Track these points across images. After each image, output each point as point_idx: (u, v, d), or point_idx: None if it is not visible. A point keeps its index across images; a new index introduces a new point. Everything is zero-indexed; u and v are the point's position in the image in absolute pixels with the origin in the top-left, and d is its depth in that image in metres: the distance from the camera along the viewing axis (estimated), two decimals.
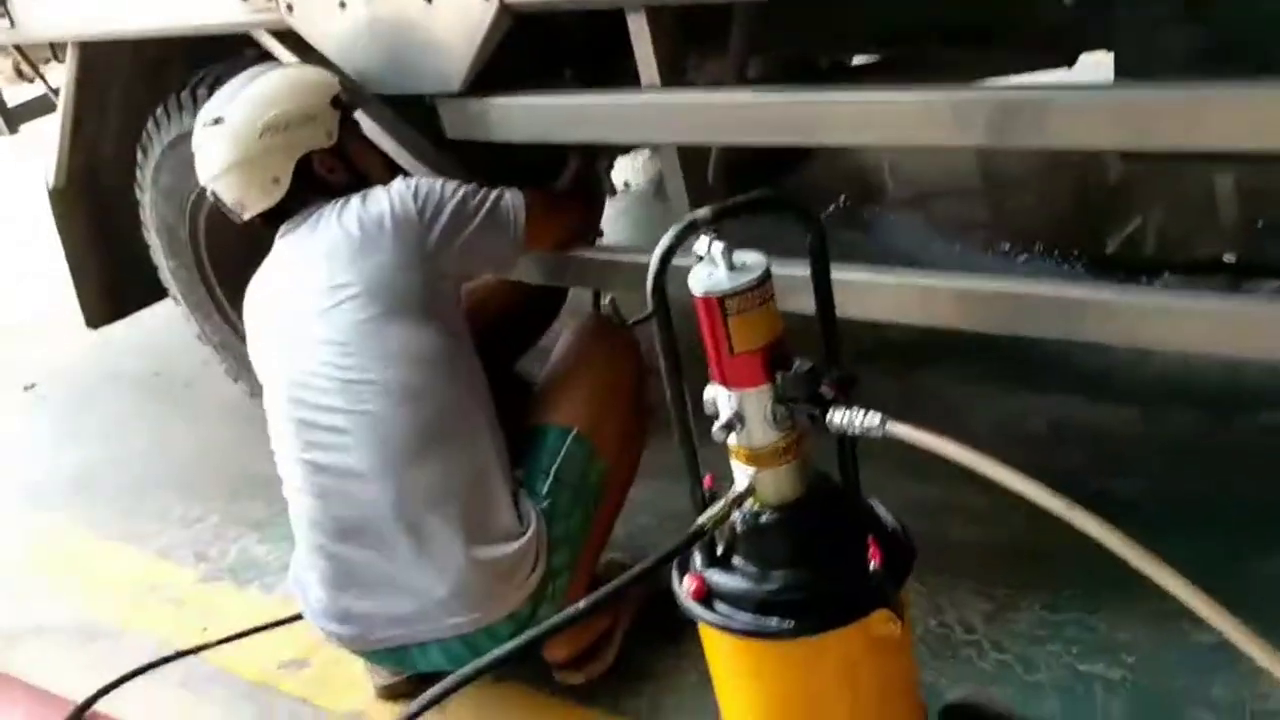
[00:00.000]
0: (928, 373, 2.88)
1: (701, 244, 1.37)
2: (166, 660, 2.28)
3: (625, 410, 2.23)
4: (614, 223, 4.10)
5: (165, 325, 3.92)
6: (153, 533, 3.01)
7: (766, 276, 1.35)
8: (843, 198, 3.74)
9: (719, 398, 1.43)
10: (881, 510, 1.55)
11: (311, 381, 2.01)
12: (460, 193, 2.08)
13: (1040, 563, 2.20)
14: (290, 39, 2.33)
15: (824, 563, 1.44)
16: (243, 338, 3.05)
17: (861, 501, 1.53)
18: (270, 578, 2.71)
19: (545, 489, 2.06)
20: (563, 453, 2.10)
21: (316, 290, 2.03)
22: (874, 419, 1.34)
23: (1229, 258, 2.89)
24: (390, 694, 2.24)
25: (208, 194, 2.18)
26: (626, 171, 4.34)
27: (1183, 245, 2.78)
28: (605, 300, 1.37)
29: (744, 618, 1.45)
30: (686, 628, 2.23)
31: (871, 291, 1.76)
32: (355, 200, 2.07)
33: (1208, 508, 2.19)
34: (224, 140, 2.07)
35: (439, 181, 2.08)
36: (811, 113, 1.76)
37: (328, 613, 2.06)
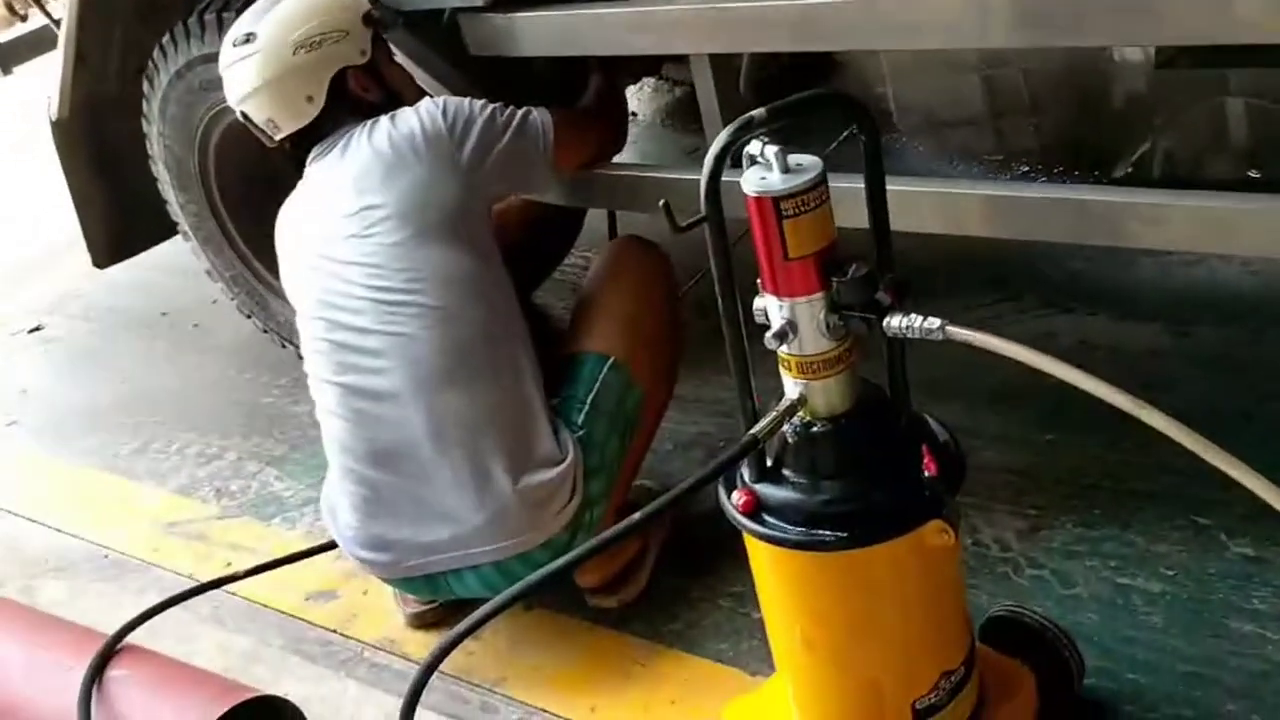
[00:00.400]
0: (947, 301, 2.86)
1: (754, 146, 1.33)
2: (195, 592, 2.28)
3: (661, 337, 2.21)
4: (622, 155, 4.07)
5: (171, 265, 3.90)
6: (171, 470, 2.99)
7: (822, 178, 1.31)
8: (855, 125, 3.71)
9: (770, 306, 1.40)
10: (932, 422, 1.53)
11: (344, 303, 1.99)
12: (489, 110, 2.04)
13: (1069, 483, 2.19)
14: None
15: (877, 473, 1.42)
16: (255, 272, 3.07)
17: (912, 412, 1.51)
18: (292, 512, 2.70)
19: (581, 418, 2.04)
20: (599, 381, 2.09)
21: (347, 213, 2.00)
22: (934, 322, 1.31)
23: (1254, 173, 2.87)
24: (421, 622, 2.24)
25: (237, 115, 2.14)
26: (633, 102, 4.28)
27: (1195, 165, 2.77)
28: (660, 203, 1.33)
29: (795, 530, 1.43)
30: (717, 551, 2.27)
31: (920, 201, 1.73)
32: (384, 120, 2.04)
33: (1248, 420, 2.17)
34: (256, 58, 2.04)
35: (467, 100, 2.05)
36: (843, 16, 1.72)
37: (359, 540, 2.05)
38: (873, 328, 1.35)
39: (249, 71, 2.05)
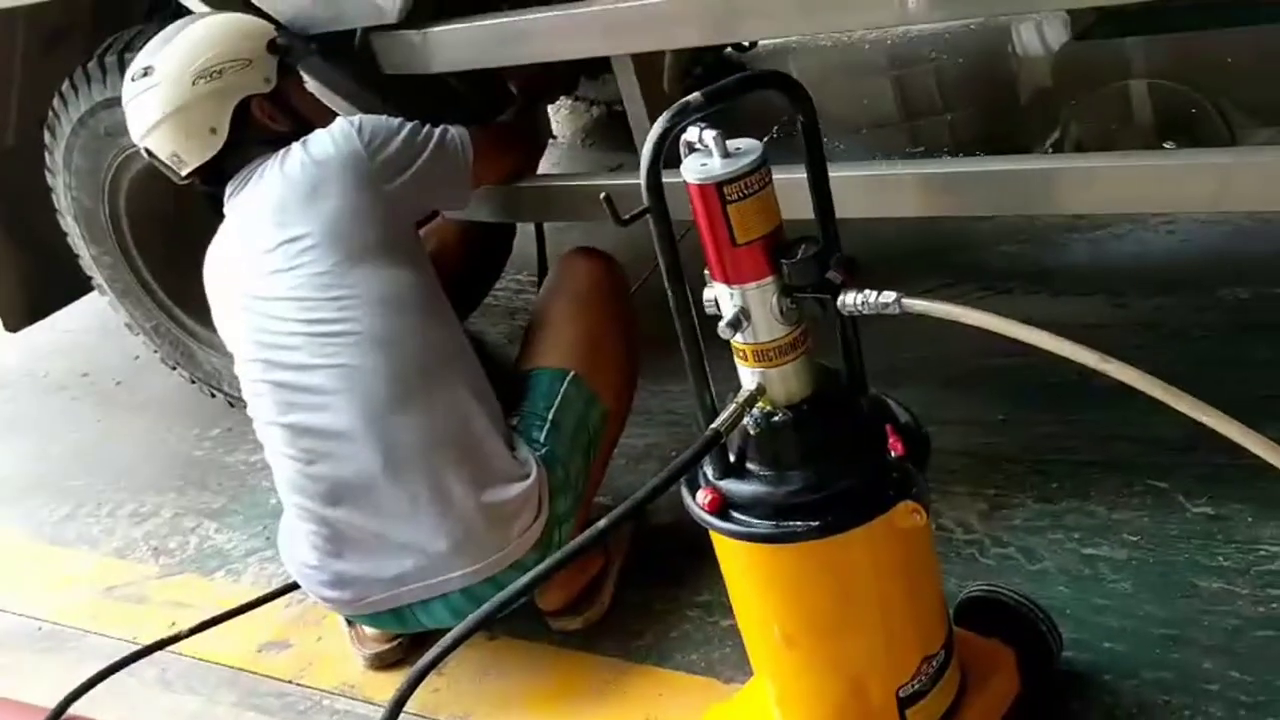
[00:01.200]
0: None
1: (691, 133, 1.29)
2: (139, 655, 2.17)
3: (619, 348, 2.17)
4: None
5: (88, 324, 3.78)
6: (104, 532, 2.87)
7: (764, 160, 1.29)
8: (783, 120, 3.74)
9: (720, 295, 1.37)
10: (891, 402, 1.50)
11: (279, 341, 1.92)
12: (405, 127, 1.99)
13: (1026, 460, 2.19)
14: None
15: (843, 458, 1.39)
16: (178, 321, 2.97)
17: (871, 394, 1.48)
18: (235, 564, 2.60)
19: (543, 435, 1.99)
20: (559, 397, 2.03)
21: (269, 247, 1.93)
22: (889, 295, 1.29)
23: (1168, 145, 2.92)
24: (380, 663, 2.16)
25: (141, 151, 2.06)
26: (553, 124, 4.25)
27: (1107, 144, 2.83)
28: (601, 195, 1.29)
29: (765, 524, 1.39)
30: (679, 561, 2.22)
31: (855, 185, 1.71)
32: (296, 147, 1.97)
33: (1193, 384, 2.18)
34: (155, 90, 1.97)
35: (383, 118, 2.00)
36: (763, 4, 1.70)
37: (321, 579, 1.97)
38: (827, 308, 1.33)
39: (149, 105, 1.98)
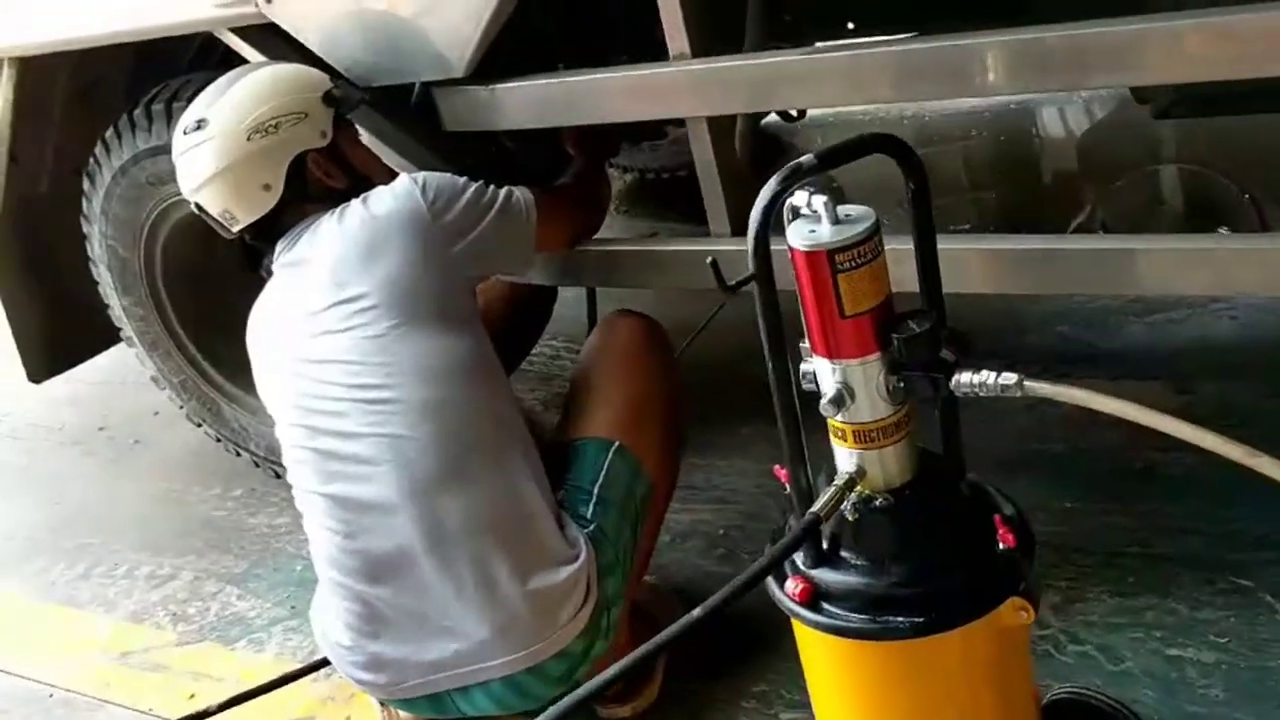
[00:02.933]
0: None
1: (799, 197, 1.22)
2: None
3: (665, 417, 2.07)
4: None
5: (104, 376, 3.69)
6: (119, 595, 2.75)
7: (876, 228, 1.21)
8: (836, 186, 3.74)
9: (821, 370, 1.29)
10: (990, 488, 1.41)
11: (324, 407, 1.82)
12: (470, 187, 1.92)
13: (1097, 552, 2.09)
14: (260, 38, 2.15)
15: (949, 548, 1.30)
16: (206, 376, 2.89)
17: (972, 480, 1.39)
18: (258, 634, 2.48)
19: (590, 510, 1.88)
20: (605, 469, 1.93)
21: (322, 307, 1.84)
22: (1009, 378, 1.21)
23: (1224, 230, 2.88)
24: None
25: (192, 207, 1.98)
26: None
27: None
28: (708, 260, 1.21)
29: (861, 618, 1.29)
30: (733, 647, 2.11)
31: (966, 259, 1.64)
32: (356, 204, 1.89)
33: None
34: (208, 145, 1.88)
35: (446, 176, 1.92)
36: (850, 67, 1.65)
37: (355, 660, 1.85)
38: (940, 388, 1.25)
39: (202, 159, 1.90)
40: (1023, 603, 1.28)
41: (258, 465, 2.93)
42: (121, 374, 3.72)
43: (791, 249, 1.23)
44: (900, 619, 1.27)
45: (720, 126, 1.81)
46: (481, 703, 1.82)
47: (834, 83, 1.67)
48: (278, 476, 2.91)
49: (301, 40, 2.07)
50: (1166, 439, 2.32)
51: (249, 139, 1.88)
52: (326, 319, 1.84)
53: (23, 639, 2.70)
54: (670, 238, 1.97)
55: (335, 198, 1.94)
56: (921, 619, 1.27)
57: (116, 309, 2.87)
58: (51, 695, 2.44)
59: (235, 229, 1.95)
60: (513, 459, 1.84)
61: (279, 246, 1.96)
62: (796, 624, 1.38)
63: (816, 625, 1.32)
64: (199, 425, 3.00)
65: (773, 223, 1.19)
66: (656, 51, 1.77)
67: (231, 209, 1.92)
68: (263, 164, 1.89)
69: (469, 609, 1.76)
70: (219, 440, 2.97)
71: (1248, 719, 1.69)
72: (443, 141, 2.11)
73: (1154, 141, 3.76)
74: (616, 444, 1.95)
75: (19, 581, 2.92)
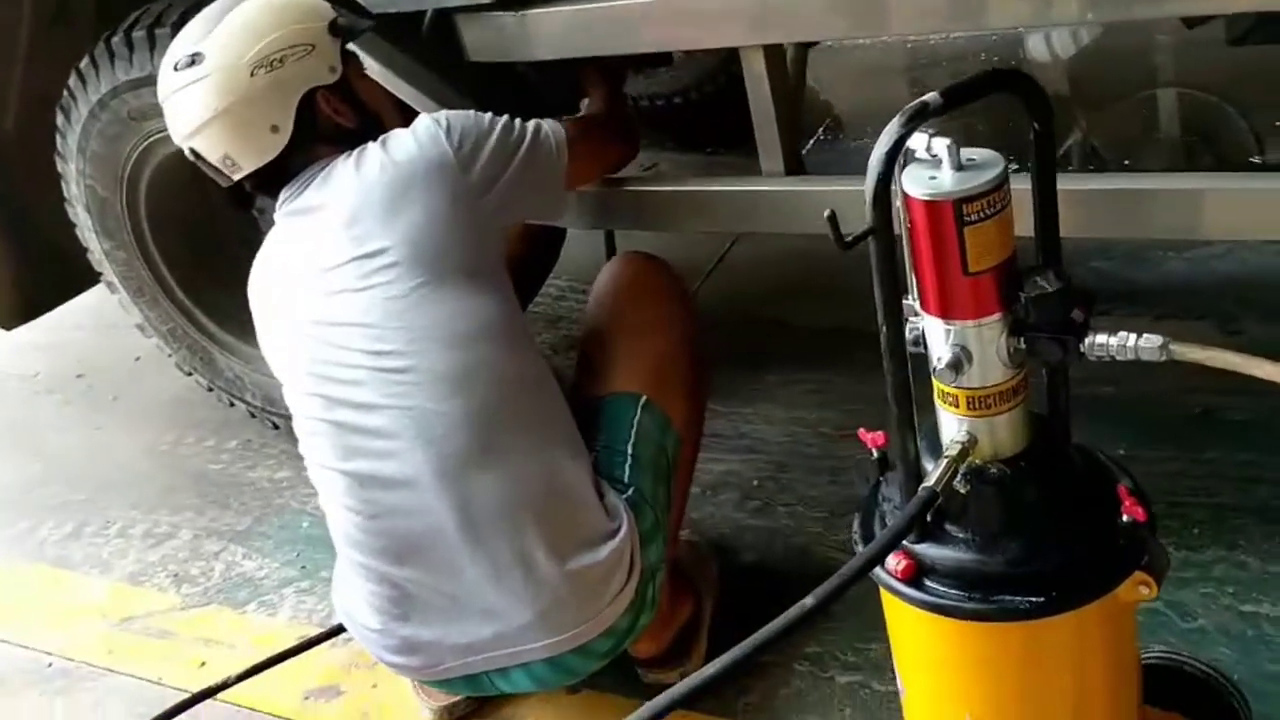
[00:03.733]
0: None
1: (919, 140, 1.09)
2: (183, 707, 1.93)
3: (688, 367, 1.95)
4: None
5: (79, 320, 3.50)
6: (114, 555, 2.62)
7: (1005, 176, 1.09)
8: (827, 122, 3.66)
9: (933, 331, 1.17)
10: (1100, 454, 1.31)
11: (341, 375, 1.68)
12: (497, 126, 1.75)
13: (1158, 501, 1.98)
14: None
15: (1069, 522, 1.20)
16: (197, 324, 2.73)
17: (1080, 445, 1.29)
18: (269, 595, 2.36)
19: (626, 473, 1.76)
20: (635, 426, 1.81)
21: (339, 262, 1.68)
22: (1154, 340, 1.11)
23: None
24: (450, 716, 1.94)
25: (185, 152, 1.79)
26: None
27: None
28: (825, 214, 1.08)
29: (973, 597, 1.19)
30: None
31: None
32: (374, 147, 1.72)
33: None
34: (205, 83, 1.69)
35: (471, 114, 1.76)
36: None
37: (386, 644, 1.74)
38: (1069, 350, 1.13)
39: (198, 100, 1.70)
40: (1145, 577, 1.19)
41: (254, 416, 2.79)
42: (97, 319, 3.54)
43: (908, 198, 1.10)
44: (1018, 599, 1.18)
45: (777, 57, 1.66)
46: (522, 682, 1.72)
47: (885, 13, 1.53)
48: (275, 427, 2.78)
49: None
50: (1223, 382, 2.24)
51: (252, 75, 1.69)
52: (343, 276, 1.68)
53: (13, 604, 2.56)
54: (713, 178, 1.81)
55: (345, 138, 1.77)
56: (1041, 599, 1.17)
57: (96, 252, 2.69)
58: (50, 664, 2.32)
59: (238, 176, 1.77)
60: (548, 429, 1.71)
61: (285, 193, 1.78)
62: (891, 600, 1.29)
63: (922, 604, 1.22)
64: (189, 374, 2.84)
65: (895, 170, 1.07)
66: None
67: (234, 154, 1.74)
68: (269, 102, 1.71)
69: (507, 592, 1.65)
70: (211, 389, 2.82)
71: None
72: (461, 73, 1.94)
73: (1145, 66, 3.67)
74: (644, 398, 1.83)
75: (5, 544, 2.77)
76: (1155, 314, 2.46)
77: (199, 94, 1.70)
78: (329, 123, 1.78)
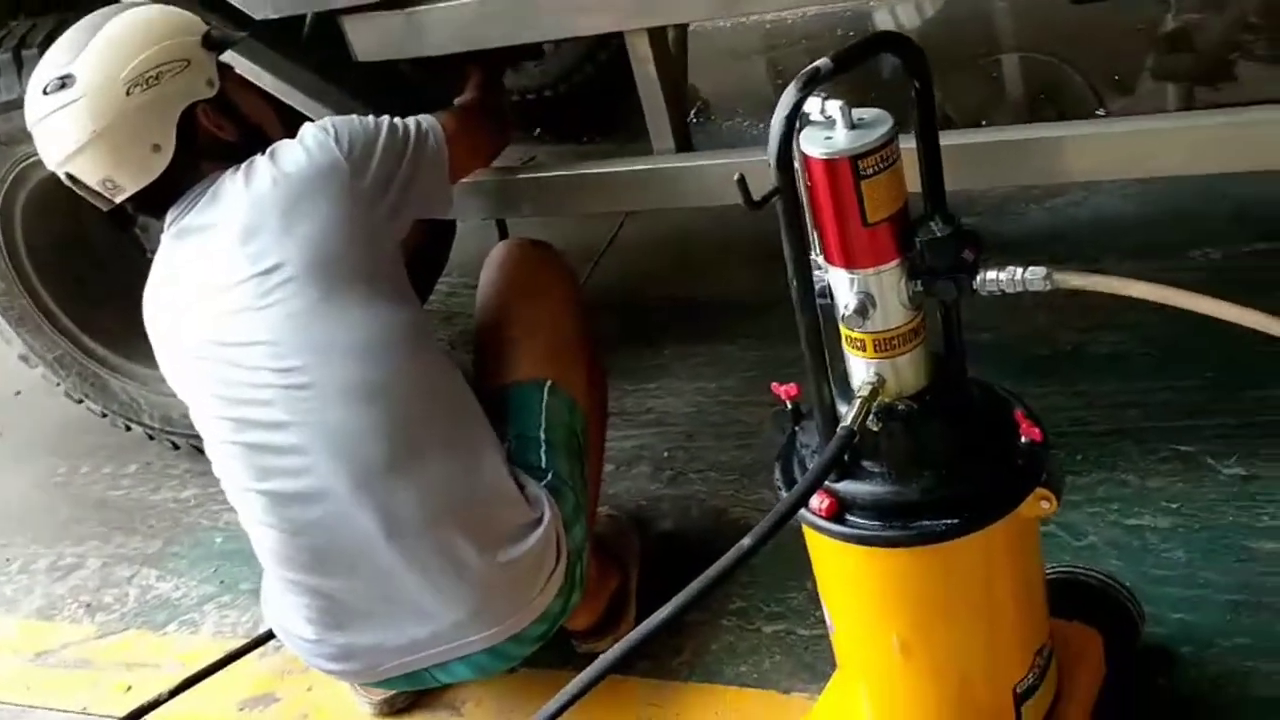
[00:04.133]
0: None
1: (812, 104, 1.17)
2: None
3: (583, 346, 2.01)
4: None
5: None
6: (20, 592, 2.55)
7: (895, 132, 1.18)
8: (696, 105, 3.77)
9: (838, 282, 1.25)
10: (992, 383, 1.42)
11: (249, 395, 1.67)
12: (382, 128, 1.76)
13: None
14: None
15: (974, 449, 1.30)
16: (85, 349, 2.67)
17: (975, 378, 1.39)
18: (189, 614, 2.35)
19: (543, 459, 1.80)
20: (543, 411, 1.85)
21: (238, 280, 1.67)
22: (1038, 271, 1.20)
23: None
24: (391, 708, 1.98)
25: (62, 178, 1.74)
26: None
27: None
28: (735, 177, 1.15)
29: (894, 526, 1.28)
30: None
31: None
32: (262, 161, 1.71)
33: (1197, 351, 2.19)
34: (79, 105, 1.65)
35: (355, 119, 1.76)
36: None
37: (322, 653, 1.76)
38: (963, 288, 1.23)
39: (72, 123, 1.65)
40: (1045, 493, 1.30)
41: (152, 438, 2.74)
42: None
43: (808, 158, 1.18)
44: (933, 523, 1.27)
45: (660, 39, 1.73)
46: (462, 672, 1.76)
47: None
48: (175, 447, 2.74)
49: None
50: (1089, 319, 2.42)
51: (128, 94, 1.66)
52: (242, 295, 1.67)
53: None
54: (610, 159, 1.87)
55: (230, 153, 1.75)
56: (954, 520, 1.26)
57: None
58: None
59: (120, 198, 1.73)
60: (462, 428, 1.74)
61: (170, 213, 1.75)
62: (814, 538, 1.37)
63: (846, 538, 1.30)
64: (80, 401, 2.77)
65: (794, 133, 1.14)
66: None
67: (115, 176, 1.70)
68: (148, 121, 1.68)
69: (440, 592, 1.68)
70: (105, 415, 2.76)
71: (1210, 574, 1.78)
72: (348, 74, 1.96)
73: (988, 32, 3.87)
74: (549, 382, 1.88)
75: None
76: (1023, 260, 2.60)
77: (73, 117, 1.66)
78: (211, 138, 1.76)
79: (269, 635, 2.04)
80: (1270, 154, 1.58)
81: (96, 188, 1.72)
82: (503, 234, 2.55)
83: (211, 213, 1.71)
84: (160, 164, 1.70)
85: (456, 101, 2.09)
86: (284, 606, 1.79)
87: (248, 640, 2.08)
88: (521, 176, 1.95)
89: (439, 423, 1.72)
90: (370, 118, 1.78)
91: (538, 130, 3.79)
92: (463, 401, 1.78)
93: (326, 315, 1.66)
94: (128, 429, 2.76)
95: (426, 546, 1.67)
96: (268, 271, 1.65)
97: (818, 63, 1.14)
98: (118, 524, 2.66)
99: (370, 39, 1.85)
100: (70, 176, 1.73)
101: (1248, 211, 2.49)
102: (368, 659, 1.75)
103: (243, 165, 1.73)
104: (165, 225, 1.77)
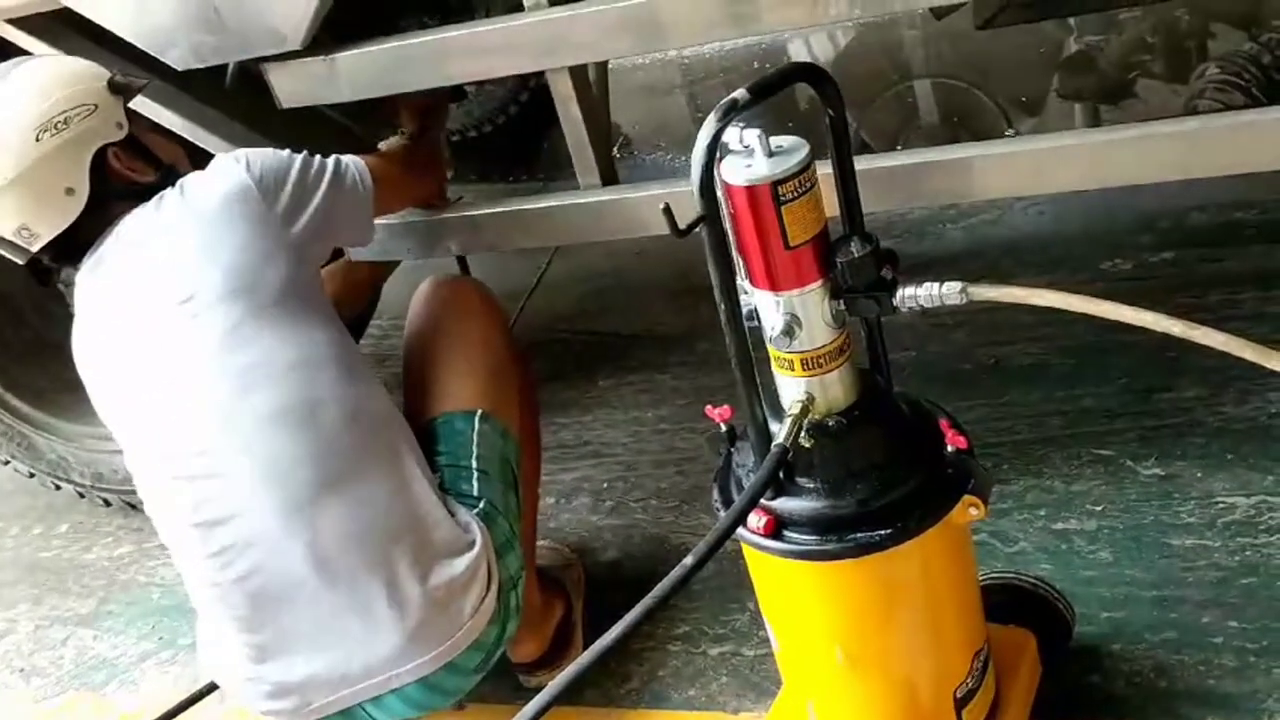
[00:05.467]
0: None
1: (731, 135, 1.21)
2: None
3: (514, 375, 2.01)
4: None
5: None
6: None
7: (812, 158, 1.22)
8: (619, 140, 3.84)
9: (763, 304, 1.29)
10: (917, 396, 1.46)
11: (179, 429, 1.66)
12: (296, 159, 1.77)
13: None
14: (46, 28, 1.94)
15: (905, 459, 1.34)
16: (11, 409, 2.63)
17: (900, 391, 1.44)
18: (128, 673, 2.31)
19: (475, 487, 1.81)
20: (475, 440, 1.86)
21: (162, 314, 1.67)
22: (953, 286, 1.25)
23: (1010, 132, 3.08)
24: None
25: None
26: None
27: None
28: (661, 206, 1.18)
29: (830, 539, 1.32)
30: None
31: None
32: (172, 194, 1.72)
33: (1102, 354, 2.28)
34: None
35: (268, 150, 1.77)
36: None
37: (258, 691, 1.73)
38: (884, 306, 1.28)
39: None
40: (973, 499, 1.34)
41: (82, 496, 2.70)
42: None
43: (729, 186, 1.22)
44: (870, 534, 1.31)
45: (581, 76, 1.77)
46: (396, 707, 1.73)
47: (676, 28, 1.66)
48: (107, 504, 2.70)
49: (103, 24, 1.87)
50: (1008, 335, 2.49)
51: (38, 139, 1.65)
52: (166, 328, 1.67)
53: None
54: (539, 195, 1.90)
55: (142, 194, 1.75)
56: (888, 530, 1.30)
57: None
58: None
59: (36, 247, 1.72)
60: (395, 454, 1.74)
61: (87, 260, 1.74)
62: (754, 556, 1.40)
63: (785, 554, 1.34)
64: (6, 463, 2.72)
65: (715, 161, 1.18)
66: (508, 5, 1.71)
67: (31, 224, 1.69)
68: (60, 165, 1.68)
69: (370, 620, 1.67)
70: (32, 475, 2.71)
71: (1135, 572, 1.85)
72: (270, 120, 1.97)
73: (900, 61, 4.00)
74: (480, 411, 1.89)
75: None
76: (940, 278, 2.68)
77: None
78: (123, 180, 1.76)
79: (211, 687, 2.02)
80: (1171, 166, 1.65)
81: (12, 238, 1.71)
82: (464, 270, 2.55)
83: (129, 252, 1.71)
84: (75, 208, 1.70)
85: (388, 147, 2.12)
86: (219, 645, 1.76)
87: (192, 693, 2.04)
88: (451, 215, 1.96)
89: (367, 447, 1.71)
90: (286, 151, 1.79)
91: (467, 170, 3.83)
92: (392, 426, 1.78)
93: (249, 339, 1.66)
94: (57, 488, 2.71)
95: (355, 572, 1.66)
96: (186, 301, 1.66)
97: (735, 93, 1.18)
98: (50, 585, 2.61)
99: (292, 85, 1.86)
100: None
101: (1153, 223, 2.60)
102: (302, 695, 1.72)
103: (153, 201, 1.73)
104: (81, 271, 1.75)
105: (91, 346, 1.79)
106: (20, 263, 1.77)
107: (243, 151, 1.79)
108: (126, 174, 1.77)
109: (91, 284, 1.76)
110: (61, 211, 1.70)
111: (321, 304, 1.81)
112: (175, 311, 1.67)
